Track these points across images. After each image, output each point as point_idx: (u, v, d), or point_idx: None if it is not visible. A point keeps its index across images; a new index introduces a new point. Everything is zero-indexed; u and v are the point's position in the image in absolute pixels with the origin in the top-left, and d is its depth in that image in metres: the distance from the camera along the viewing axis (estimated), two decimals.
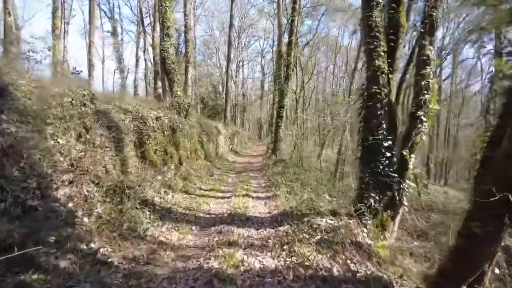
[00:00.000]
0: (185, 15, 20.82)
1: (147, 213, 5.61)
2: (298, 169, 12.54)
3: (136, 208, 5.54)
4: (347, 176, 21.68)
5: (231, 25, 26.95)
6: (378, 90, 5.50)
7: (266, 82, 51.93)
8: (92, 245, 4.00)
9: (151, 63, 26.08)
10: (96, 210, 4.55)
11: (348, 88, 21.97)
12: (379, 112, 5.53)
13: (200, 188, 9.24)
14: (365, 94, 5.74)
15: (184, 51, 21.81)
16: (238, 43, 45.56)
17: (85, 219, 4.37)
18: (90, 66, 27.34)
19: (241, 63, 49.79)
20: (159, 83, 20.34)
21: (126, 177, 6.17)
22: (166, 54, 11.18)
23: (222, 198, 8.23)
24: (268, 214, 6.46)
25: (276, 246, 4.64)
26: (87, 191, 4.66)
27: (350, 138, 12.32)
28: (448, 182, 26.33)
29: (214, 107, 45.22)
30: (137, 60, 33.06)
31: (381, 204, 5.49)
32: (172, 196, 7.54)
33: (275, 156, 17.23)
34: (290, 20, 18.15)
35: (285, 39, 20.72)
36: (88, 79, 27.37)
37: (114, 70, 30.21)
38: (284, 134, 18.56)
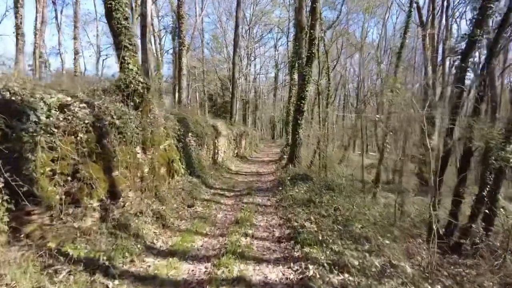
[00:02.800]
0: None
1: None
2: (333, 193, 7.71)
3: None
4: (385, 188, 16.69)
5: (238, 3, 22.25)
6: None
7: (280, 79, 47.07)
8: None
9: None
10: None
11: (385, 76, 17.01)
12: None
13: (148, 249, 4.57)
14: None
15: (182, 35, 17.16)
16: (249, 35, 41.08)
17: None
18: (76, 53, 23.34)
19: (252, 57, 45.13)
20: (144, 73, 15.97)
21: None
22: (113, 2, 6.61)
23: None
24: None
25: None
26: None
27: (429, 141, 7.35)
28: None
29: (223, 105, 40.83)
30: None
31: None
32: None
33: (293, 166, 12.46)
34: None
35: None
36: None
37: (103, 60, 26.00)
38: (304, 136, 13.74)
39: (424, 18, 20.00)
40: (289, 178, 9.89)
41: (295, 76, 18.32)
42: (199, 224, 5.91)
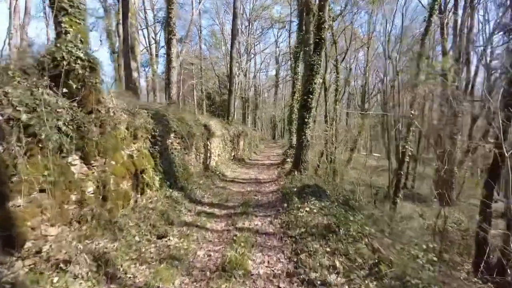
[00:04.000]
0: None
1: None
2: (358, 215, 5.71)
3: None
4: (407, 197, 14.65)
5: None
6: None
7: (282, 76, 44.90)
8: None
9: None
10: None
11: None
12: None
13: None
14: None
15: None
16: (249, 31, 39.13)
17: None
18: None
19: (252, 54, 43.10)
20: (133, 64, 14.04)
21: None
22: None
23: None
24: None
25: None
26: None
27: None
28: None
29: (222, 104, 38.81)
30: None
31: None
32: None
33: (298, 173, 10.46)
34: None
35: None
36: None
37: None
38: (311, 137, 11.75)
39: (442, 6, 18.02)
40: (295, 190, 7.89)
41: (299, 69, 16.36)
42: (166, 272, 3.90)
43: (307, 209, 6.16)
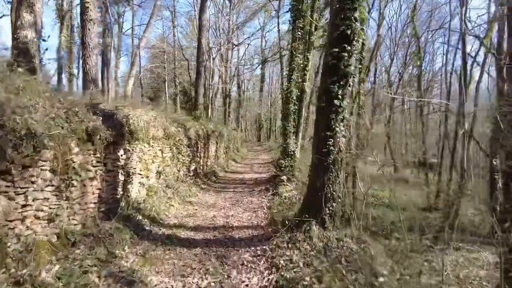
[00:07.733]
0: None
1: None
2: None
3: None
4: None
5: None
6: None
7: (268, 72, 38.88)
8: None
9: None
10: None
11: None
12: None
13: None
14: None
15: None
16: (230, 19, 32.94)
17: None
18: None
19: (234, 44, 36.84)
20: (25, 17, 7.65)
21: None
22: None
23: None
24: None
25: None
26: None
27: None
28: None
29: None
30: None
31: None
32: None
33: (320, 228, 4.43)
34: None
35: None
36: None
37: None
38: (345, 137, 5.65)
39: None
40: None
41: (299, 33, 10.36)
42: None
43: None
